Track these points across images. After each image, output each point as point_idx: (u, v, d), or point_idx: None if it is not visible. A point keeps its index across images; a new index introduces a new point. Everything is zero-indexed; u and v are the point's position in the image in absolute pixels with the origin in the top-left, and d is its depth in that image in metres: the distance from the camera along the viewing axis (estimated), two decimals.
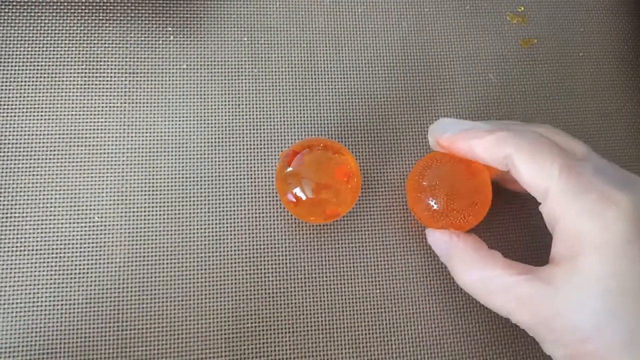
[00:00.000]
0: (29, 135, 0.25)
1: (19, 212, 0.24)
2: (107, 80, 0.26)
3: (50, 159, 0.25)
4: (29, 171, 0.24)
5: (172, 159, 0.25)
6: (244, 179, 0.25)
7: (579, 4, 0.31)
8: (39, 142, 0.25)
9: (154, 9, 0.27)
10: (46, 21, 0.26)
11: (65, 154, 0.25)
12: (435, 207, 0.22)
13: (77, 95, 0.25)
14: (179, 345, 0.23)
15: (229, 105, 0.26)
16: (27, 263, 0.23)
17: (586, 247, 0.18)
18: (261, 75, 0.27)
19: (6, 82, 0.25)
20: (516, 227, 0.26)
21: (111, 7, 0.27)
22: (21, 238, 0.23)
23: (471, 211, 0.23)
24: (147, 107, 0.26)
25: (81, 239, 0.24)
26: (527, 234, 0.26)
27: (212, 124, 0.26)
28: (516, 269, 0.20)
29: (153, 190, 0.25)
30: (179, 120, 0.26)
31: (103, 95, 0.26)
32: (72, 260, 0.23)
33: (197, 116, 0.26)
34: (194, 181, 0.25)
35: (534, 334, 0.20)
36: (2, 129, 0.25)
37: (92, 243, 0.24)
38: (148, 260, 0.24)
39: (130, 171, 0.25)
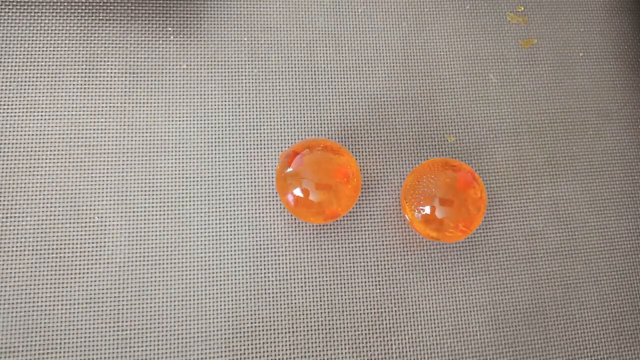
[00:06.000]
0: (29, 135, 0.25)
1: (19, 212, 0.24)
2: (107, 80, 0.26)
3: (50, 159, 0.25)
4: (29, 171, 0.24)
5: (172, 159, 0.25)
6: (244, 179, 0.25)
7: (579, 4, 0.31)
8: (39, 142, 0.25)
9: (154, 9, 0.27)
10: (46, 21, 0.26)
11: (65, 154, 0.25)
12: (427, 216, 0.23)
13: (77, 95, 0.25)
14: (179, 345, 0.23)
15: (229, 105, 0.26)
16: (27, 263, 0.23)
17: None
18: (261, 75, 0.27)
19: (6, 82, 0.25)
20: (514, 230, 0.26)
21: (111, 7, 0.27)
22: (21, 238, 0.23)
23: (464, 221, 0.23)
24: (147, 107, 0.26)
25: (81, 239, 0.24)
26: (525, 236, 0.26)
27: (212, 124, 0.26)
28: None
29: (153, 190, 0.25)
30: (179, 120, 0.26)
31: (103, 95, 0.26)
32: (72, 260, 0.23)
33: (197, 116, 0.26)
34: (194, 181, 0.25)
35: None
36: (2, 129, 0.25)
37: (92, 243, 0.24)
38: (148, 260, 0.24)
39: (130, 171, 0.25)
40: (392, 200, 0.26)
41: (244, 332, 0.24)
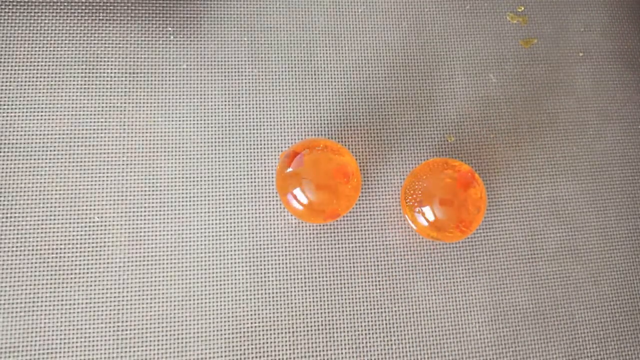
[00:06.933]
0: (29, 135, 0.25)
1: (19, 212, 0.24)
2: (107, 80, 0.26)
3: (50, 159, 0.25)
4: (29, 171, 0.24)
5: (172, 159, 0.25)
6: (244, 179, 0.25)
7: (579, 4, 0.31)
8: (39, 142, 0.25)
9: (154, 9, 0.27)
10: (46, 21, 0.26)
11: (65, 154, 0.25)
12: (426, 216, 0.23)
13: (77, 95, 0.25)
14: (179, 345, 0.23)
15: (229, 105, 0.26)
16: (27, 263, 0.23)
17: None
18: (261, 75, 0.27)
19: (6, 82, 0.25)
20: (514, 230, 0.26)
21: (111, 7, 0.27)
22: (21, 238, 0.23)
23: (464, 221, 0.23)
24: (147, 107, 0.26)
25: (81, 239, 0.24)
26: (525, 236, 0.26)
27: (212, 124, 0.26)
28: None
29: (153, 190, 0.25)
30: (179, 120, 0.26)
31: (103, 95, 0.26)
32: (72, 260, 0.23)
33: (197, 116, 0.26)
34: (194, 181, 0.25)
35: None
36: (2, 129, 0.25)
37: (92, 243, 0.24)
38: (148, 260, 0.24)
39: (130, 171, 0.25)
40: (392, 200, 0.26)
41: (244, 332, 0.24)
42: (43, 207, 0.24)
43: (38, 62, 0.26)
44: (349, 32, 0.28)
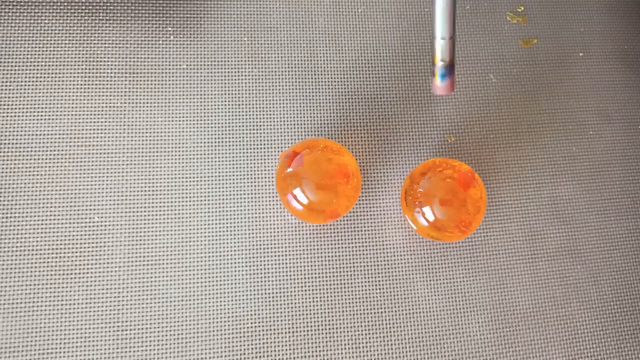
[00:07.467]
0: (29, 135, 0.25)
1: (19, 212, 0.24)
2: (107, 80, 0.26)
3: (50, 159, 0.25)
4: (29, 171, 0.24)
5: (172, 159, 0.25)
6: (244, 179, 0.25)
7: (579, 4, 0.31)
8: (39, 142, 0.25)
9: (154, 9, 0.27)
10: (46, 21, 0.26)
11: (65, 154, 0.25)
12: (426, 216, 0.23)
13: (77, 95, 0.25)
14: (179, 345, 0.23)
15: (229, 105, 0.26)
16: (27, 263, 0.23)
17: None
18: (261, 75, 0.27)
19: (6, 82, 0.25)
20: (514, 230, 0.26)
21: (111, 7, 0.27)
22: (21, 238, 0.23)
23: (463, 221, 0.23)
24: (147, 107, 0.26)
25: (81, 239, 0.24)
26: (525, 236, 0.26)
27: (212, 124, 0.26)
28: None
29: (153, 190, 0.25)
30: (179, 120, 0.26)
31: (103, 95, 0.26)
32: (72, 260, 0.23)
33: (197, 116, 0.26)
34: (194, 181, 0.25)
35: None
36: (2, 129, 0.25)
37: (92, 243, 0.24)
38: (148, 260, 0.24)
39: (130, 171, 0.25)
40: (392, 200, 0.26)
41: (244, 332, 0.24)
42: (43, 207, 0.24)
43: (38, 62, 0.26)
44: (349, 32, 0.28)
